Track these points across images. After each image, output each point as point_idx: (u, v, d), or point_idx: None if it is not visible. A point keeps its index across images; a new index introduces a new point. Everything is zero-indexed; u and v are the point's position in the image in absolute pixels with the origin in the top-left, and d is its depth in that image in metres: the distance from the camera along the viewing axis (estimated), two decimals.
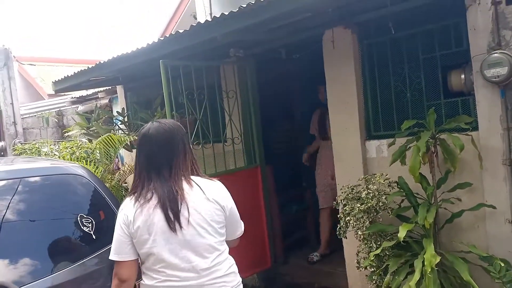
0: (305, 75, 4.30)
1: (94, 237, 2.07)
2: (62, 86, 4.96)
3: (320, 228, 4.41)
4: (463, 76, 2.77)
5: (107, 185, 4.73)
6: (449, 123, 2.66)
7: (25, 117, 9.36)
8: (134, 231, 1.68)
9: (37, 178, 2.06)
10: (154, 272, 1.72)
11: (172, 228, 1.67)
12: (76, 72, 4.58)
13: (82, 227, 2.03)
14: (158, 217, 1.68)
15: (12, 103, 9.01)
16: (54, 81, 4.97)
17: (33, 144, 6.88)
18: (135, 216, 1.68)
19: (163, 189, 1.70)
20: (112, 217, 2.22)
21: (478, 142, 2.65)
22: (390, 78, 3.18)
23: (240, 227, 1.94)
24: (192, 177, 1.78)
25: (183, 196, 1.70)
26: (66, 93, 8.79)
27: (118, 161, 6.35)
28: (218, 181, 1.86)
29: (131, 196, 1.75)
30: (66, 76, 4.78)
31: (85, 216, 2.08)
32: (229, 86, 4.01)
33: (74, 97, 8.01)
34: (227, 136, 4.01)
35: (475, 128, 2.70)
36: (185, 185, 1.74)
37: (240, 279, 1.85)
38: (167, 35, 3.58)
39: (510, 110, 2.52)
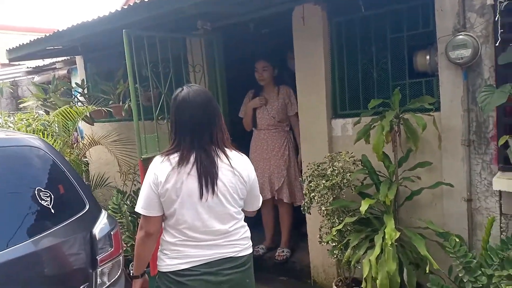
0: (275, 52, 4.23)
1: (52, 211, 1.98)
2: (17, 55, 4.66)
3: (263, 221, 4.15)
4: (428, 57, 2.82)
5: (66, 158, 4.58)
6: (413, 103, 2.71)
7: None
8: (163, 191, 1.75)
9: None
10: (176, 231, 1.82)
11: (202, 194, 1.76)
12: (32, 40, 4.32)
13: (39, 201, 1.94)
14: (191, 181, 1.75)
15: None
16: (8, 49, 4.66)
17: None
18: (167, 178, 1.74)
19: (202, 154, 1.77)
20: (73, 191, 2.15)
21: (439, 123, 2.72)
22: (358, 57, 3.20)
23: (259, 201, 2.04)
24: (219, 147, 1.82)
25: (218, 166, 1.78)
26: (20, 63, 8.33)
27: (78, 134, 6.12)
28: (244, 155, 1.94)
29: (164, 157, 1.80)
30: (21, 44, 4.49)
31: (43, 189, 1.99)
32: (196, 60, 3.91)
33: (30, 67, 7.58)
34: None
35: (438, 109, 2.77)
36: (220, 153, 1.80)
37: (251, 242, 1.97)
38: (131, 4, 3.41)
39: (472, 92, 2.60)
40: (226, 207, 1.82)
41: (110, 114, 4.54)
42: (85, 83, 4.86)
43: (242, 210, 1.96)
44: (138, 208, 1.83)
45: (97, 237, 2.10)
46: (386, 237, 2.44)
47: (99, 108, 4.18)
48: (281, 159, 3.78)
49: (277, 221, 4.02)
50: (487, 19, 2.47)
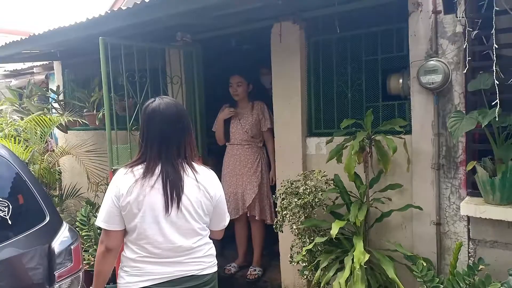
0: (254, 67, 4.25)
1: (10, 222, 1.90)
2: None
3: (236, 238, 4.06)
4: (401, 80, 2.85)
5: (37, 167, 4.45)
6: (384, 125, 2.73)
7: None
8: (124, 204, 1.70)
9: None
10: (137, 246, 1.76)
11: (166, 208, 1.71)
12: (7, 42, 4.22)
13: None
14: (154, 195, 1.71)
15: None
16: None
17: None
18: (128, 190, 1.70)
19: (169, 168, 1.74)
20: (33, 202, 2.08)
21: (410, 145, 2.75)
22: (333, 77, 3.22)
23: (225, 219, 1.98)
24: (185, 161, 1.79)
25: (183, 180, 1.74)
26: None
27: (53, 142, 5.99)
28: (211, 170, 1.90)
29: (127, 169, 1.76)
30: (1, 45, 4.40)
31: (0, 199, 1.91)
32: (174, 71, 3.89)
33: (7, 70, 7.42)
34: None
35: (409, 132, 2.80)
36: (186, 168, 1.77)
37: (215, 260, 1.93)
38: (109, 11, 3.38)
39: (442, 116, 2.63)
40: (190, 223, 1.78)
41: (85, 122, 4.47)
42: (60, 89, 4.77)
43: (209, 230, 1.92)
44: (99, 222, 1.78)
45: (56, 251, 2.03)
46: (354, 260, 2.42)
47: (72, 118, 4.08)
48: (254, 175, 3.75)
49: (250, 239, 3.97)
50: (458, 46, 2.52)
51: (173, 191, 1.73)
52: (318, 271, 2.72)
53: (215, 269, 1.91)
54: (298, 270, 3.02)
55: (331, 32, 3.11)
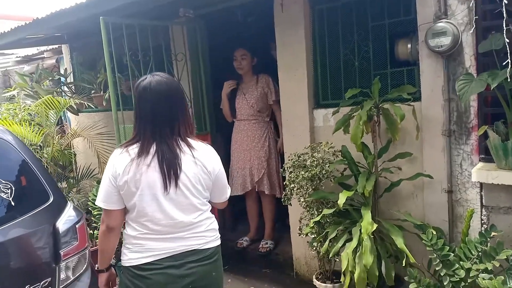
0: (259, 40, 4.14)
1: (13, 203, 1.92)
2: (1, 43, 4.58)
3: (247, 212, 4.09)
4: (409, 45, 2.74)
5: (49, 149, 4.51)
6: (392, 93, 2.63)
7: None
8: (121, 184, 1.70)
9: None
10: (137, 224, 1.76)
11: (165, 187, 1.70)
12: (13, 27, 4.23)
13: None
14: (151, 173, 1.70)
15: None
16: None
17: None
18: (124, 169, 1.69)
19: (164, 146, 1.71)
20: (36, 183, 2.10)
21: (420, 113, 2.65)
22: (339, 45, 3.12)
23: (226, 192, 1.97)
24: (181, 138, 1.76)
25: (180, 157, 1.72)
26: (13, 52, 8.22)
27: (67, 124, 6.07)
28: (209, 145, 1.88)
29: (123, 149, 1.75)
30: (2, 32, 4.41)
31: (3, 181, 1.93)
32: (178, 48, 3.83)
33: (19, 57, 7.49)
34: None
35: (418, 99, 2.70)
36: (182, 144, 1.74)
37: (218, 234, 1.92)
38: None
39: (452, 81, 2.51)
40: (189, 199, 1.76)
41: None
42: (67, 72, 4.78)
43: (210, 202, 1.91)
44: (98, 202, 1.78)
45: (61, 230, 2.05)
46: (362, 230, 2.38)
47: (80, 100, 4.10)
48: (261, 150, 3.71)
49: (261, 213, 3.97)
50: (468, 5, 2.38)
51: (170, 170, 1.71)
52: (326, 242, 2.70)
53: (217, 243, 1.90)
54: (308, 242, 3.00)
55: None
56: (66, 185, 4.95)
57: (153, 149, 1.72)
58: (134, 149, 1.73)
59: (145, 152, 1.71)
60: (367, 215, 2.47)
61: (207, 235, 1.84)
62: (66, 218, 2.12)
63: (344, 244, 2.66)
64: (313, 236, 2.85)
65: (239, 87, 3.84)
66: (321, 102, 3.26)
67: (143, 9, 3.51)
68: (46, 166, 4.47)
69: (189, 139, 1.79)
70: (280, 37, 3.26)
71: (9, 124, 4.15)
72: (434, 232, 2.31)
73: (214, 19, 4.01)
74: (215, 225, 1.91)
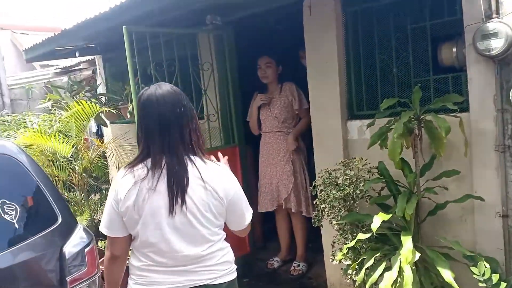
0: (292, 48, 3.92)
1: (17, 226, 1.80)
2: (33, 55, 4.64)
3: (278, 231, 3.84)
4: (455, 49, 2.44)
5: (84, 162, 4.48)
6: (435, 103, 2.34)
7: (13, 88, 9.05)
8: (123, 210, 1.54)
9: None
10: (141, 254, 1.60)
11: (170, 211, 1.51)
12: (43, 39, 4.25)
13: (2, 215, 1.76)
14: (156, 198, 1.52)
15: None
16: (24, 49, 4.65)
17: (14, 116, 6.59)
18: (126, 194, 1.52)
19: (174, 161, 1.53)
20: (43, 203, 1.97)
21: (468, 125, 2.34)
22: (375, 50, 2.84)
23: (245, 219, 1.71)
24: (190, 154, 1.57)
25: (188, 179, 1.53)
26: (56, 64, 8.45)
27: (89, 139, 6.09)
28: (222, 165, 1.68)
29: (127, 170, 1.57)
30: (35, 44, 4.45)
31: (7, 202, 1.81)
32: (204, 57, 3.67)
33: (59, 68, 7.67)
34: (203, 112, 3.71)
35: (466, 109, 2.38)
36: (190, 164, 1.55)
37: (234, 266, 1.71)
38: None
39: (506, 89, 2.19)
40: (196, 229, 1.56)
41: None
42: (98, 83, 4.75)
43: (224, 233, 1.69)
44: (102, 227, 1.62)
45: (68, 255, 1.91)
46: (402, 259, 2.09)
47: (108, 109, 4.04)
48: (287, 164, 3.47)
49: (293, 232, 3.71)
50: None
51: (178, 190, 1.51)
52: (362, 271, 2.41)
53: (232, 276, 1.68)
54: (342, 268, 2.72)
55: (370, 0, 2.73)
56: (99, 197, 4.92)
57: (159, 169, 1.53)
58: (139, 169, 1.55)
59: (155, 168, 1.53)
60: (407, 242, 2.17)
61: (219, 268, 1.63)
62: (75, 241, 1.97)
63: (382, 274, 2.37)
64: (347, 262, 2.57)
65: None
66: (355, 112, 2.99)
67: (169, 17, 3.40)
68: (79, 178, 4.45)
69: (198, 157, 1.59)
70: (309, 43, 3.03)
71: (39, 137, 4.14)
72: (488, 265, 1.99)
73: (244, 26, 3.83)
74: (229, 256, 1.69)
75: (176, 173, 1.52)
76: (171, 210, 1.52)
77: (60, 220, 1.98)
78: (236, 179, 1.69)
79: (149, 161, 1.55)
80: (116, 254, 1.62)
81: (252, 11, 3.44)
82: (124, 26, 3.05)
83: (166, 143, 1.54)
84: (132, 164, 1.59)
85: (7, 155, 1.96)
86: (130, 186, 1.53)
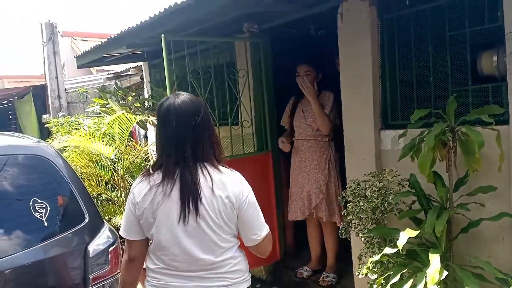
0: (328, 55, 3.87)
1: (46, 224, 1.91)
2: (84, 62, 4.91)
3: (308, 239, 3.79)
4: (495, 58, 2.29)
5: (127, 163, 4.67)
6: (472, 114, 2.21)
7: (70, 91, 9.62)
8: (140, 213, 1.60)
9: None
10: (155, 257, 1.66)
11: (183, 218, 1.56)
12: (92, 47, 4.49)
13: (33, 213, 1.87)
14: (170, 203, 1.57)
15: (56, 77, 9.30)
16: (75, 56, 4.94)
17: (67, 118, 7.00)
18: (143, 198, 1.59)
19: (187, 172, 1.57)
20: (73, 203, 2.08)
21: (507, 139, 2.19)
22: (412, 58, 2.74)
23: (256, 232, 1.67)
24: (206, 164, 1.61)
25: (201, 185, 1.57)
26: (111, 69, 8.90)
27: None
28: (237, 172, 1.69)
29: (143, 176, 1.65)
30: (85, 51, 4.71)
31: (38, 200, 1.93)
32: (240, 65, 3.72)
33: (110, 73, 8.06)
34: (237, 118, 3.75)
35: (507, 121, 2.24)
36: (205, 172, 1.59)
37: (247, 275, 1.72)
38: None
39: None
40: (208, 234, 1.58)
41: None
42: (139, 89, 4.94)
43: (238, 242, 1.70)
44: (121, 231, 1.70)
45: (92, 253, 2.00)
46: (427, 278, 1.99)
47: (145, 116, 4.19)
48: (320, 173, 3.41)
49: (324, 242, 3.65)
50: None
51: (189, 199, 1.55)
52: (388, 287, 2.32)
53: (244, 285, 1.68)
54: (368, 282, 2.63)
55: (407, 7, 2.63)
56: None
57: (174, 175, 1.58)
58: (155, 176, 1.60)
59: (167, 178, 1.58)
60: (435, 260, 2.06)
61: (231, 276, 1.64)
62: (100, 241, 2.07)
63: None
64: (373, 277, 2.49)
65: (298, 104, 3.61)
66: (389, 122, 2.89)
67: (207, 26, 3.48)
68: (120, 179, 4.65)
69: (213, 165, 1.62)
70: (344, 50, 2.98)
71: (85, 139, 4.37)
72: None
73: (282, 33, 3.84)
74: (242, 265, 1.69)
75: (189, 184, 1.56)
76: (184, 218, 1.56)
77: (87, 219, 2.08)
78: (250, 188, 1.68)
79: (164, 170, 1.60)
80: (132, 256, 1.67)
81: (290, 18, 3.44)
82: (162, 35, 3.15)
83: (180, 154, 1.58)
84: (148, 172, 1.65)
85: (44, 157, 2.09)
86: (146, 191, 1.58)
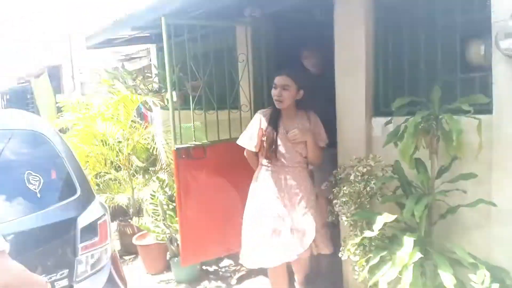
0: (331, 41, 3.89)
1: (39, 195, 2.03)
2: (93, 42, 5.01)
3: None
4: (483, 47, 2.30)
5: (131, 142, 4.80)
6: (454, 104, 2.24)
7: (82, 73, 9.82)
8: None
9: None
10: None
11: None
12: (100, 28, 4.58)
13: (27, 185, 2.00)
14: None
15: (70, 58, 9.51)
16: (86, 37, 5.05)
17: (77, 99, 7.15)
18: None
19: None
20: (65, 177, 2.20)
21: (490, 128, 2.21)
22: (404, 47, 2.76)
23: None
24: None
25: None
26: (121, 50, 9.02)
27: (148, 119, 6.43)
28: None
29: None
30: (93, 32, 4.81)
31: (32, 173, 2.05)
32: (240, 49, 3.77)
33: (122, 55, 8.18)
34: (236, 103, 3.82)
35: (491, 111, 2.26)
36: None
37: None
38: None
39: None
40: None
41: None
42: (143, 71, 5.03)
43: None
44: None
45: (81, 224, 2.12)
46: (397, 261, 2.06)
47: (151, 97, 4.30)
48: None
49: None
50: None
51: None
52: (366, 268, 2.40)
53: None
54: (351, 264, 2.72)
55: None
56: (142, 178, 5.24)
57: None
58: None
59: None
60: (408, 243, 2.14)
61: None
62: (90, 213, 2.18)
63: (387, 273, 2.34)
64: (355, 259, 2.57)
65: (278, 122, 3.08)
66: (381, 109, 2.93)
67: (209, 9, 3.52)
68: (127, 159, 4.79)
69: None
70: (338, 36, 3.01)
71: (90, 119, 4.50)
72: (487, 274, 1.90)
73: (284, 18, 3.86)
74: None
75: None
76: None
77: (78, 193, 2.20)
78: None
79: None
80: None
81: (292, 2, 3.46)
82: (162, 17, 3.22)
83: None
84: None
85: (41, 134, 2.21)
86: None
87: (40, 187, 2.05)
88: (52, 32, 9.66)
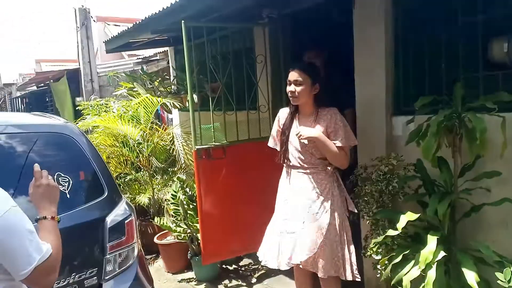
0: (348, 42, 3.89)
1: (68, 196, 2.09)
2: (112, 46, 5.11)
3: None
4: (506, 44, 2.29)
5: (151, 144, 4.88)
6: (477, 101, 2.23)
7: (102, 75, 9.96)
8: None
9: (17, 134, 2.12)
10: None
11: None
12: (119, 32, 4.67)
13: None
14: None
15: (89, 62, 9.64)
16: (104, 41, 5.14)
17: (97, 101, 7.29)
18: None
19: None
20: (93, 178, 2.25)
21: None
22: (425, 45, 2.75)
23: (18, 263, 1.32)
24: None
25: None
26: (141, 54, 9.14)
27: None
28: None
29: None
30: (113, 36, 4.91)
31: (62, 175, 2.11)
32: (258, 50, 3.80)
33: (139, 58, 8.29)
34: (255, 103, 3.85)
35: None
36: None
37: None
38: None
39: None
40: None
41: None
42: (160, 74, 5.10)
43: None
44: None
45: (109, 224, 2.17)
46: (420, 259, 2.07)
47: (169, 100, 4.36)
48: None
49: None
50: None
51: None
52: (389, 267, 2.40)
53: None
54: (373, 263, 2.72)
55: None
56: (161, 179, 5.31)
57: None
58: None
59: None
60: (432, 242, 2.13)
61: None
62: (117, 213, 2.23)
63: (409, 271, 2.34)
64: (377, 257, 2.57)
65: (293, 118, 2.94)
66: (402, 108, 2.92)
67: (227, 13, 3.56)
68: (147, 160, 4.86)
69: None
70: (358, 35, 3.01)
71: (112, 120, 4.58)
72: None
73: (302, 19, 3.87)
74: None
75: None
76: None
77: (106, 193, 2.25)
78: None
79: None
80: None
81: (311, 3, 3.46)
82: (182, 21, 3.28)
83: None
84: None
85: (68, 136, 2.27)
86: None
87: (69, 188, 2.11)
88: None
